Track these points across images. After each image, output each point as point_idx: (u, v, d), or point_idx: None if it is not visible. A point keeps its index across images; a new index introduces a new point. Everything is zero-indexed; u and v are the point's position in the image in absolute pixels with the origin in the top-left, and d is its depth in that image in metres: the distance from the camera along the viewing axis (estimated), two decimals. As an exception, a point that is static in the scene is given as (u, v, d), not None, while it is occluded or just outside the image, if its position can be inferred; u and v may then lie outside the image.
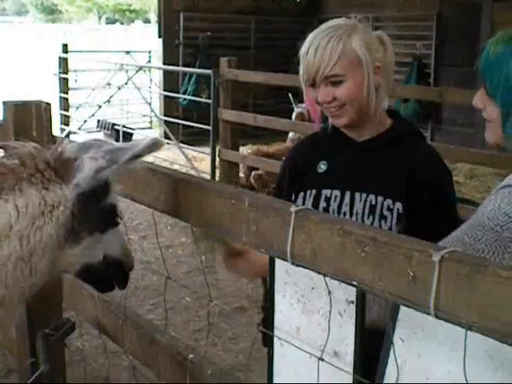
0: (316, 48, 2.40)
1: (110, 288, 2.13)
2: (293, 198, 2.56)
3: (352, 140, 2.58)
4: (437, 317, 1.34)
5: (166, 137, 13.42)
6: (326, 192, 2.50)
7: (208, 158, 10.72)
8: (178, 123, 13.95)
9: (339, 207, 2.46)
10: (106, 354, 4.56)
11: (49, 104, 2.77)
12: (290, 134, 10.72)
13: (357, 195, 2.45)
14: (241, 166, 10.12)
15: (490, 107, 2.06)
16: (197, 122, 12.75)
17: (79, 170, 1.84)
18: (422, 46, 14.37)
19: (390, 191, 2.43)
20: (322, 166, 2.59)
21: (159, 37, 15.10)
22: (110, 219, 1.98)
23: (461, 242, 1.82)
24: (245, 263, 2.43)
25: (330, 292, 1.65)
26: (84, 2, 51.56)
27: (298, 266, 1.65)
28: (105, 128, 13.63)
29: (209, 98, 10.99)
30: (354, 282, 1.52)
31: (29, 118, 2.71)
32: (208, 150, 11.19)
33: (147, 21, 57.59)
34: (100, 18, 60.16)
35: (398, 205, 2.41)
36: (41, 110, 2.73)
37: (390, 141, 2.53)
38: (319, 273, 1.61)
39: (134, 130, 14.32)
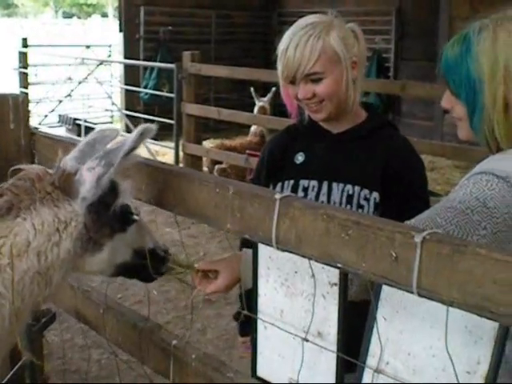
0: (296, 46, 2.45)
1: (151, 277, 2.20)
2: (271, 188, 2.62)
3: (328, 132, 2.65)
4: (419, 295, 1.42)
5: (128, 131, 13.42)
6: (303, 182, 2.57)
7: (171, 152, 10.74)
8: (139, 117, 13.93)
9: (317, 197, 2.52)
10: (86, 345, 4.58)
11: (26, 97, 2.80)
12: (252, 128, 10.76)
13: (334, 185, 2.52)
14: (204, 159, 10.15)
15: (458, 106, 2.15)
16: (158, 117, 12.77)
17: (81, 184, 1.93)
18: (381, 40, 14.55)
19: (366, 181, 2.51)
20: (300, 158, 2.66)
21: (120, 31, 15.03)
22: (126, 218, 2.04)
23: (432, 222, 1.90)
24: (221, 282, 2.40)
25: (314, 275, 1.72)
26: (40, -4, 51.02)
27: (283, 250, 1.72)
28: (66, 123, 13.54)
29: (170, 92, 11.00)
30: (339, 264, 1.59)
31: (6, 110, 2.73)
32: (171, 144, 11.20)
33: (105, 15, 57.08)
34: (57, 12, 59.39)
35: (375, 194, 2.49)
36: (18, 102, 2.75)
37: (366, 132, 2.61)
38: (304, 256, 1.68)
39: (95, 124, 14.24)
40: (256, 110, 10.84)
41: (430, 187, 8.83)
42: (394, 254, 1.46)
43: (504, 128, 2.02)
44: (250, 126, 10.75)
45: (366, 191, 2.50)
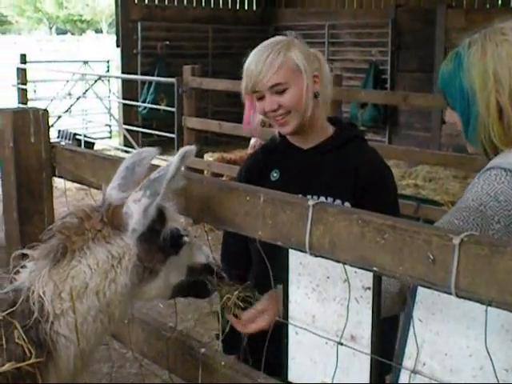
0: (257, 61, 2.60)
1: (208, 291, 2.21)
2: None
3: (299, 148, 2.77)
4: (457, 295, 1.46)
5: (127, 145, 13.47)
6: None
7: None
8: (137, 132, 14.00)
9: None
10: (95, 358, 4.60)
11: (46, 110, 2.83)
12: (252, 141, 10.78)
13: (309, 198, 2.56)
14: (205, 172, 10.19)
15: (459, 119, 2.26)
16: (156, 131, 12.83)
17: (129, 217, 1.94)
18: (377, 52, 14.65)
19: (338, 192, 2.64)
20: (275, 175, 2.77)
21: (117, 46, 15.11)
22: (177, 242, 2.04)
23: (451, 225, 1.97)
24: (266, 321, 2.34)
25: (348, 279, 1.76)
26: (34, 13, 51.03)
27: (316, 256, 1.75)
28: (66, 138, 13.58)
29: (168, 106, 11.04)
30: (375, 268, 1.63)
31: (27, 124, 2.76)
32: (170, 158, 11.23)
33: (99, 31, 57.23)
34: (51, 28, 59.51)
35: (347, 204, 2.61)
36: (38, 116, 2.78)
37: (335, 146, 2.74)
38: (338, 261, 1.72)
39: (95, 139, 14.30)
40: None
41: (429, 197, 8.86)
42: (431, 257, 1.50)
43: (500, 132, 2.12)
44: (248, 140, 10.79)
45: (338, 201, 2.62)
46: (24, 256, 2.00)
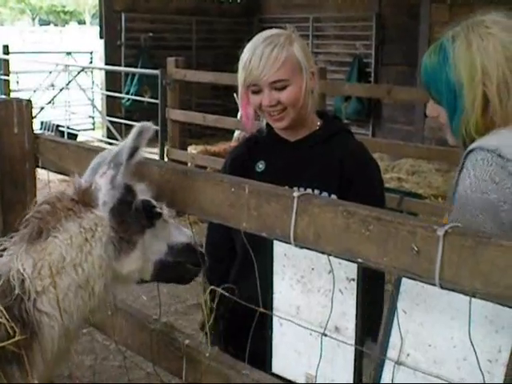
0: (261, 55, 2.56)
1: (191, 274, 2.23)
2: None
3: (286, 140, 2.76)
4: (442, 286, 1.47)
5: (110, 137, 13.41)
6: None
7: (156, 158, 10.71)
8: (121, 123, 13.93)
9: None
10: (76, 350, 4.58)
11: (29, 101, 2.81)
12: (236, 133, 10.79)
13: (295, 190, 2.53)
14: (189, 164, 10.16)
15: (442, 113, 2.29)
16: (139, 123, 12.76)
17: (98, 191, 2.01)
18: (361, 45, 14.66)
19: (325, 184, 2.63)
20: (261, 166, 2.76)
21: (100, 37, 15.02)
22: (150, 212, 2.08)
23: (463, 223, 1.96)
24: None
25: (332, 270, 1.76)
26: (17, 4, 50.65)
27: (301, 247, 1.76)
28: (49, 129, 13.49)
29: (152, 98, 10.98)
30: (359, 260, 1.63)
31: (10, 114, 2.74)
32: (154, 149, 11.20)
33: (82, 22, 56.88)
34: (34, 19, 59.07)
35: (333, 196, 2.60)
36: (22, 106, 2.76)
37: (322, 139, 2.74)
38: (323, 253, 1.72)
39: (78, 131, 14.22)
40: (239, 115, 10.85)
41: (412, 190, 8.91)
42: (415, 248, 1.50)
43: (480, 127, 2.16)
44: (233, 132, 10.78)
45: (325, 194, 2.61)
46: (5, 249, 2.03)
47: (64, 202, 2.01)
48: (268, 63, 2.55)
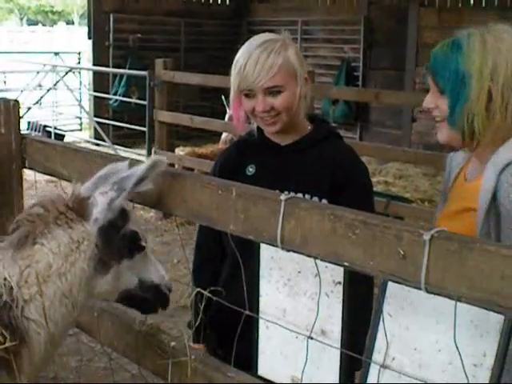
0: (256, 60, 2.54)
1: (153, 310, 2.29)
2: None
3: (277, 144, 2.75)
4: (427, 290, 1.47)
5: (97, 138, 13.39)
6: None
7: (143, 160, 10.69)
8: (108, 124, 13.91)
9: None
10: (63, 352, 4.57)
11: (17, 101, 2.80)
12: (223, 136, 10.77)
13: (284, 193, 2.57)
14: (176, 166, 10.15)
15: (442, 104, 2.30)
16: (127, 124, 12.75)
17: (94, 206, 2.02)
18: (349, 49, 14.69)
19: (315, 189, 2.63)
20: (251, 169, 2.75)
21: (89, 38, 14.97)
22: (134, 245, 2.12)
23: None
24: None
25: (319, 274, 1.76)
26: (5, 4, 50.37)
27: (288, 250, 1.76)
28: (36, 130, 13.43)
29: (140, 99, 10.97)
30: (346, 263, 1.64)
31: (-4, 115, 2.74)
32: (141, 151, 11.19)
33: (70, 22, 56.66)
34: (22, 19, 58.77)
35: (324, 201, 2.61)
36: (9, 106, 2.76)
37: (312, 143, 2.73)
38: (309, 256, 1.73)
39: (65, 132, 14.17)
40: (227, 117, 10.86)
41: (399, 194, 8.92)
42: (401, 252, 1.51)
43: (483, 119, 2.20)
44: (220, 134, 10.78)
45: (315, 198, 2.61)
46: None
47: (57, 205, 2.02)
48: (264, 69, 2.53)
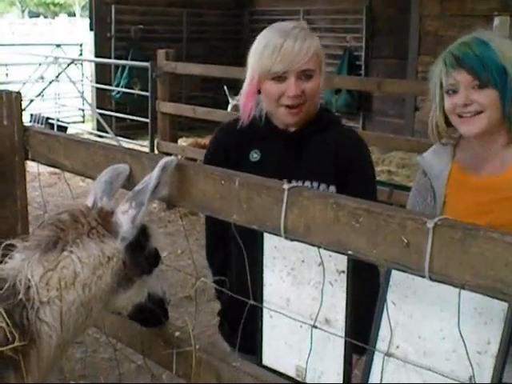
0: (294, 42, 2.51)
1: (157, 323, 2.31)
2: None
3: (282, 130, 2.71)
4: (431, 278, 1.47)
5: (100, 129, 13.39)
6: None
7: (145, 151, 10.72)
8: (110, 116, 13.91)
9: None
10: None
11: (19, 93, 2.80)
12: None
13: (293, 182, 2.54)
14: (179, 157, 10.15)
15: (482, 96, 2.44)
16: (130, 115, 12.75)
17: (119, 227, 2.04)
18: (352, 38, 14.65)
19: (323, 176, 2.63)
20: (255, 155, 2.71)
21: (90, 30, 14.95)
22: (154, 261, 2.16)
23: None
24: None
25: (322, 263, 1.77)
26: (7, -4, 50.49)
27: (291, 240, 1.76)
28: (38, 122, 13.44)
29: (142, 91, 10.95)
30: (349, 252, 1.63)
31: (-1, 107, 2.73)
32: (144, 142, 11.19)
33: (71, 14, 56.58)
34: (23, 11, 58.71)
35: (332, 187, 2.62)
36: (11, 98, 2.75)
37: (316, 130, 2.71)
38: (313, 245, 1.72)
39: (68, 124, 14.18)
40: (230, 107, 10.86)
41: (402, 183, 8.90)
42: (405, 240, 1.51)
43: None
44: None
45: (323, 186, 2.62)
46: (11, 246, 2.04)
47: (89, 219, 2.03)
48: (302, 51, 2.50)
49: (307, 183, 2.60)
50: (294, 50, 2.50)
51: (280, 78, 2.55)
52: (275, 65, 2.53)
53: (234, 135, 2.78)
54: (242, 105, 2.72)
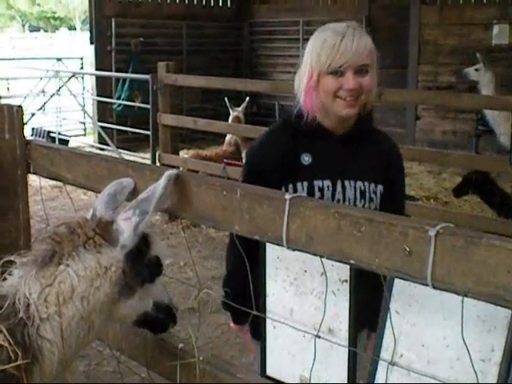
0: (352, 38, 2.56)
1: (164, 329, 2.31)
2: (283, 190, 2.63)
3: (331, 133, 2.74)
4: (434, 286, 1.47)
5: (102, 142, 13.41)
6: (317, 183, 2.66)
7: (147, 163, 10.73)
8: (112, 129, 13.92)
9: (333, 195, 2.64)
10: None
11: (20, 107, 2.81)
12: (227, 138, 10.79)
13: (346, 183, 2.67)
14: (181, 169, 10.16)
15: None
16: (131, 128, 12.77)
17: (120, 233, 2.03)
18: (351, 48, 14.67)
19: (373, 176, 2.73)
20: (306, 158, 2.71)
21: (91, 43, 14.99)
22: (156, 269, 2.15)
23: None
24: None
25: (325, 272, 1.77)
26: (7, 10, 50.52)
27: (293, 250, 1.76)
28: (40, 136, 13.45)
29: (143, 103, 10.96)
30: (352, 261, 1.64)
31: (1, 120, 2.73)
32: (145, 155, 11.20)
33: (72, 28, 56.72)
34: (24, 25, 58.90)
35: (380, 187, 2.74)
36: (13, 112, 2.76)
37: (362, 133, 2.78)
38: (315, 255, 1.73)
39: (69, 137, 14.19)
40: (230, 119, 10.88)
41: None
42: (407, 249, 1.51)
43: None
44: (224, 136, 10.78)
45: (373, 185, 2.72)
46: (11, 262, 2.03)
47: (85, 230, 2.03)
48: (360, 46, 2.56)
49: (359, 183, 2.69)
50: (353, 45, 2.56)
51: (337, 72, 2.61)
52: (335, 60, 2.58)
53: (286, 138, 2.78)
54: (303, 102, 2.73)
